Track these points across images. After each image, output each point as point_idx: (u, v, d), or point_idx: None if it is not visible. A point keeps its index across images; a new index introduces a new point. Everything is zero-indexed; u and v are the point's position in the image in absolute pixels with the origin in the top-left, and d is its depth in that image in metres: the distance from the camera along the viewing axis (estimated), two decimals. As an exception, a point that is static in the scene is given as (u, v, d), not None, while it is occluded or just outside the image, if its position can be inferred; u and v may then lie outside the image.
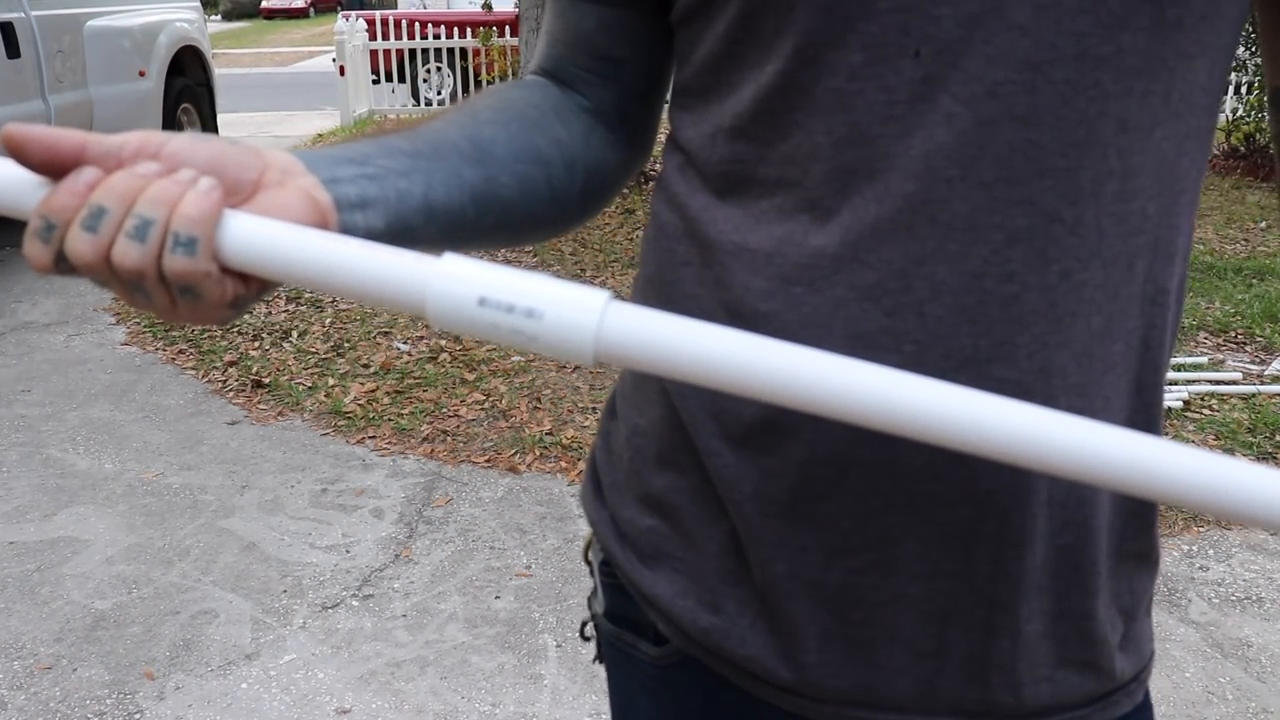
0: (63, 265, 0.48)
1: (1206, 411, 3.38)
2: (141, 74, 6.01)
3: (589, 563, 0.80)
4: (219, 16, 33.90)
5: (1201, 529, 2.75)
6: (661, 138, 0.72)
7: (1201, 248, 5.25)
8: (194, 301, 0.48)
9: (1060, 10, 0.52)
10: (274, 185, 0.51)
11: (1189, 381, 3.60)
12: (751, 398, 0.46)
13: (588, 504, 0.78)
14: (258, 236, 0.48)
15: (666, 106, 0.69)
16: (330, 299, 4.50)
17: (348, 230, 0.53)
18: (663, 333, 0.46)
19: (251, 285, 0.50)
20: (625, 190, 6.20)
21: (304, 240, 0.48)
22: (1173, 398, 3.41)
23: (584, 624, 0.84)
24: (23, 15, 5.06)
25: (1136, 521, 0.65)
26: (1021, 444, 0.44)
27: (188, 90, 6.68)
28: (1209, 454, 0.43)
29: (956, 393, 0.44)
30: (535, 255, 5.24)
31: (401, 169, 0.59)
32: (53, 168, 0.48)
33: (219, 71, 7.64)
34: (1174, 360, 3.65)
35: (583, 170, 0.70)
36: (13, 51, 4.93)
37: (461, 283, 0.47)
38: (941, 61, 0.54)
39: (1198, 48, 0.55)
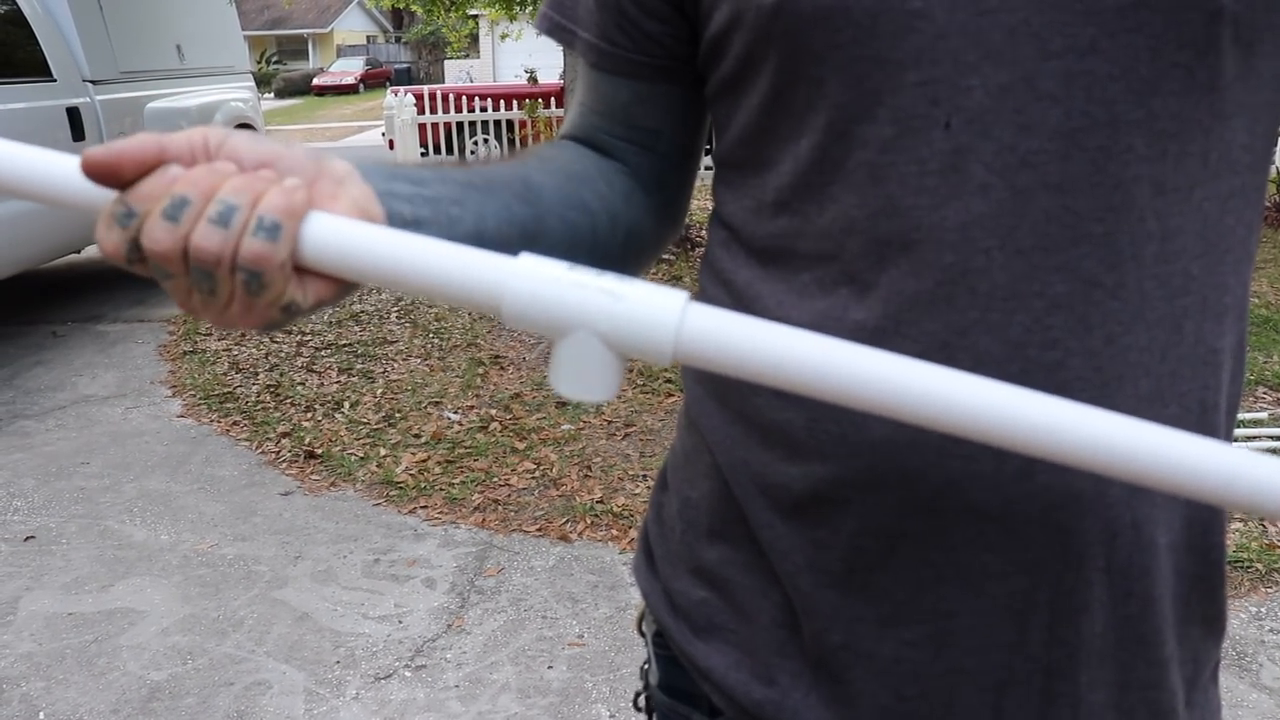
0: (133, 254, 0.47)
1: (1269, 469, 3.29)
2: (199, 153, 6.21)
3: (643, 634, 0.80)
4: (272, 95, 34.87)
5: (1270, 590, 2.67)
6: (698, 206, 0.72)
7: (1257, 301, 5.16)
8: (256, 294, 0.47)
9: (1091, 79, 0.52)
10: (325, 196, 0.50)
11: (1250, 438, 3.52)
12: (831, 401, 0.45)
13: (640, 576, 0.78)
14: (338, 234, 0.48)
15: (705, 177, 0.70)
16: (381, 370, 4.56)
17: None
18: (743, 328, 0.46)
19: (309, 291, 0.49)
20: (671, 257, 6.25)
21: (382, 237, 0.48)
22: (1234, 455, 3.33)
23: (637, 695, 0.84)
24: (88, 100, 5.28)
25: (1202, 585, 0.63)
26: (1100, 447, 0.43)
27: (243, 167, 6.89)
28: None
29: (1040, 398, 0.43)
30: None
31: (455, 196, 0.59)
32: (142, 176, 0.48)
33: (273, 149, 7.86)
34: (1233, 417, 3.57)
35: (625, 228, 0.71)
36: (78, 134, 5.13)
37: (546, 262, 0.47)
38: (972, 132, 0.54)
39: (1233, 107, 0.55)
